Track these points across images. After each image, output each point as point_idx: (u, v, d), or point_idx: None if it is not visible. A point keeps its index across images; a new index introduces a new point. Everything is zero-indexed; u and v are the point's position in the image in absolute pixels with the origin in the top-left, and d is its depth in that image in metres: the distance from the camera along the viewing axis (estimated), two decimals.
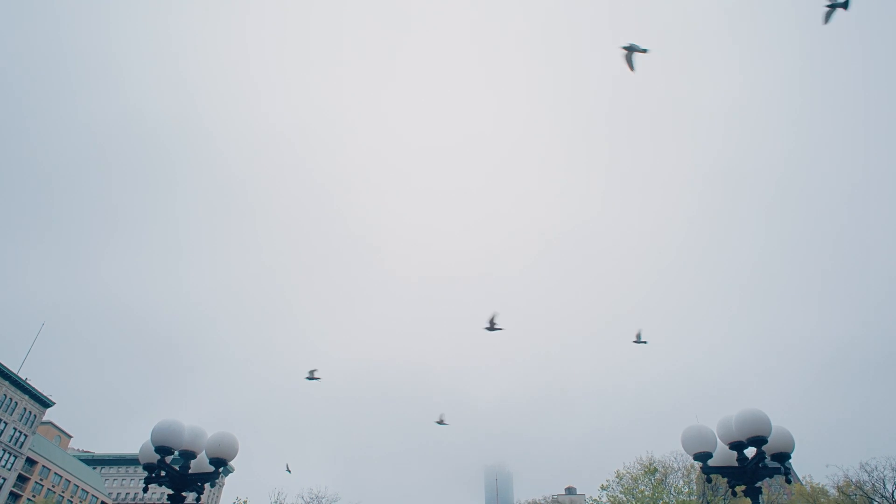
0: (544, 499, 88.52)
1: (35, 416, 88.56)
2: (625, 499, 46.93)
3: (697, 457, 8.62)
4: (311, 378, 34.77)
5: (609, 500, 48.25)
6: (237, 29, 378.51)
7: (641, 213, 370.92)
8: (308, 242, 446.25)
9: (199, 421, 9.17)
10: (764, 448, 8.21)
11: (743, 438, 8.29)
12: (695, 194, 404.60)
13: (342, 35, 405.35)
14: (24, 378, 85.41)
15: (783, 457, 8.39)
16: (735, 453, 8.52)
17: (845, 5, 21.74)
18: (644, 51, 22.55)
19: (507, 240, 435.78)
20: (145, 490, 9.34)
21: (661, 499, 44.99)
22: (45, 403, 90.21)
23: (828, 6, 22.03)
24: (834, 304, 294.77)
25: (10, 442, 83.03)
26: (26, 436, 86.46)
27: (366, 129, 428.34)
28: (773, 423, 8.32)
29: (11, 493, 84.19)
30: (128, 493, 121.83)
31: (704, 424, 8.84)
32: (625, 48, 22.51)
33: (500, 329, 31.13)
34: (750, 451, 8.40)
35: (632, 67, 22.82)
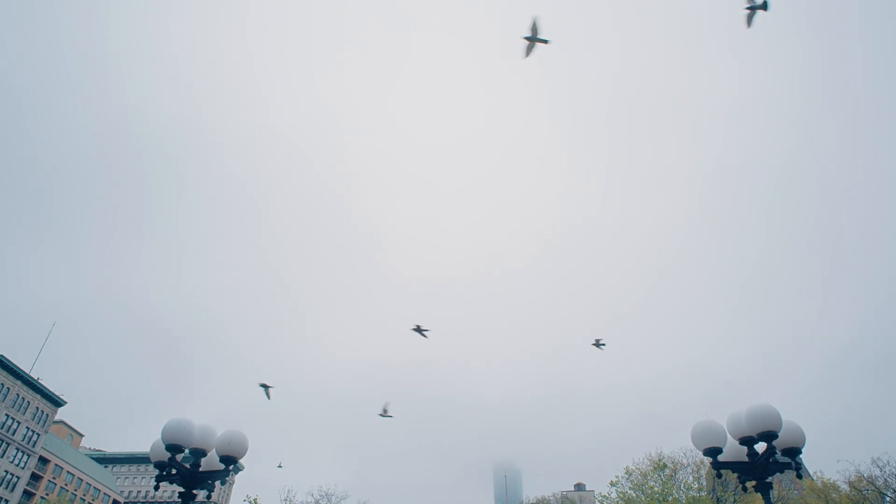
0: (553, 495, 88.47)
1: (47, 415, 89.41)
2: (634, 495, 46.78)
3: (707, 452, 8.55)
4: (264, 387, 35.02)
5: (618, 497, 48.12)
6: (237, 29, 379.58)
7: (641, 213, 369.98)
8: (312, 242, 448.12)
9: (209, 419, 9.20)
10: (774, 443, 8.14)
11: (753, 433, 8.22)
12: (695, 194, 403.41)
13: (343, 35, 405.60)
14: (36, 378, 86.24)
15: (794, 452, 8.30)
16: (745, 448, 8.44)
17: (764, 6, 21.98)
18: (545, 41, 22.58)
19: (507, 239, 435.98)
20: (156, 488, 9.40)
21: (671, 495, 44.82)
22: (56, 403, 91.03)
23: (748, 8, 22.20)
24: (834, 304, 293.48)
25: (23, 441, 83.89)
26: (39, 435, 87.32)
27: (368, 129, 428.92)
28: (784, 418, 8.27)
29: (25, 492, 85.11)
30: (139, 492, 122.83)
31: (714, 419, 8.79)
32: (527, 38, 22.54)
33: (427, 330, 32.36)
34: (760, 447, 8.32)
35: (527, 54, 22.75)
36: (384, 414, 41.69)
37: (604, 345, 37.93)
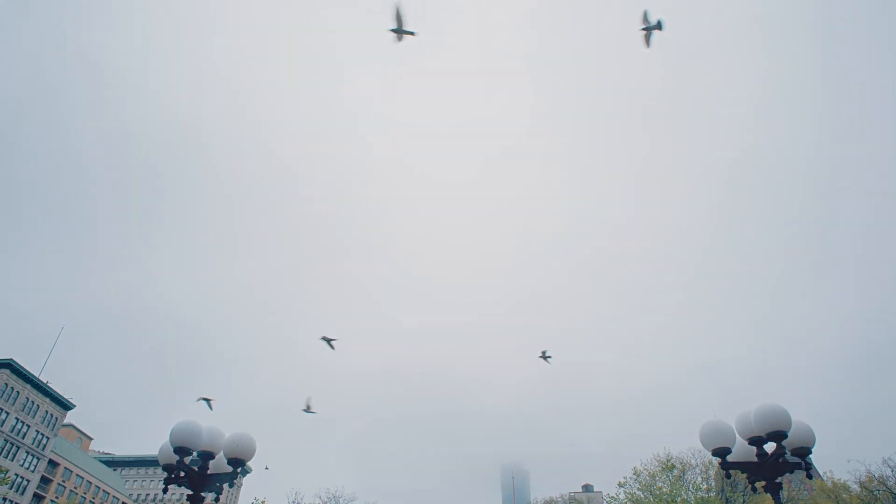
0: (561, 496, 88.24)
1: (56, 418, 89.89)
2: (642, 496, 46.59)
3: (716, 452, 8.49)
4: (205, 400, 35.38)
5: (627, 497, 47.94)
6: (237, 29, 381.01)
7: (641, 213, 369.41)
8: (316, 242, 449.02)
9: (216, 422, 9.23)
10: (784, 443, 8.08)
11: (762, 433, 8.15)
12: (696, 194, 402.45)
13: (343, 35, 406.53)
14: (45, 382, 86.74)
15: (804, 452, 8.25)
16: (754, 448, 8.37)
17: (659, 26, 22.37)
18: (411, 33, 23.10)
19: (507, 239, 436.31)
20: (165, 491, 9.43)
21: (680, 495, 44.60)
22: (65, 406, 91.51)
23: (643, 29, 22.52)
24: (834, 304, 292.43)
25: (32, 444, 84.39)
26: (48, 438, 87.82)
27: (370, 128, 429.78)
28: (793, 418, 8.20)
29: (35, 495, 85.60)
30: (147, 494, 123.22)
31: (722, 420, 8.73)
32: (393, 31, 23.13)
33: (334, 339, 32.88)
34: (770, 447, 8.26)
35: (401, 35, 23.11)
36: (307, 410, 38.82)
37: (550, 356, 38.00)
